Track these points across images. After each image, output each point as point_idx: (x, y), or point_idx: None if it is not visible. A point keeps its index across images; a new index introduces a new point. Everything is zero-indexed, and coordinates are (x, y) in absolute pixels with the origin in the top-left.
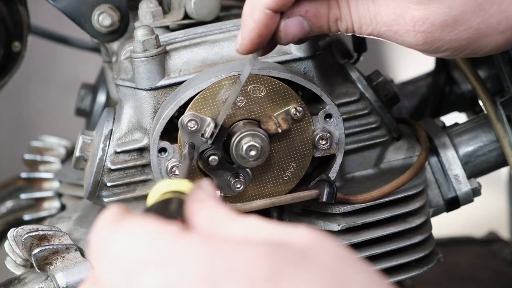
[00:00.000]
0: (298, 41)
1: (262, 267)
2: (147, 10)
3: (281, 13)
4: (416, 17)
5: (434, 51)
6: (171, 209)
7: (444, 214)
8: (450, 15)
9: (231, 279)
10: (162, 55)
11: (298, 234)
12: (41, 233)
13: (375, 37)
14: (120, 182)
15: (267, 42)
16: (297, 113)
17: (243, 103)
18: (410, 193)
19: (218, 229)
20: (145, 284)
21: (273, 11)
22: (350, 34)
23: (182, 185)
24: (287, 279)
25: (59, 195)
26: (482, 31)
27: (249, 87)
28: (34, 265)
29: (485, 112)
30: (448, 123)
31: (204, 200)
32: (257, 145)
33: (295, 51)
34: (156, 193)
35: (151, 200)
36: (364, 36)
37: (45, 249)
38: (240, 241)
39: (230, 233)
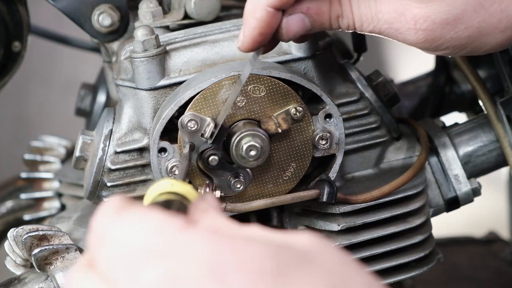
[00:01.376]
0: (299, 39)
1: (269, 262)
2: (147, 10)
3: (282, 10)
4: (418, 15)
5: (435, 49)
6: (173, 209)
7: (444, 214)
8: (451, 13)
9: (238, 272)
10: (162, 55)
11: (299, 238)
12: (41, 233)
13: (376, 35)
14: (120, 182)
15: (268, 40)
16: (297, 113)
17: (243, 103)
18: (410, 193)
19: (222, 230)
20: (148, 273)
21: (275, 9)
22: (351, 31)
23: (185, 188)
24: (292, 277)
25: (59, 195)
26: (483, 30)
27: (249, 87)
28: (34, 265)
29: (485, 112)
30: (448, 123)
31: (207, 211)
32: (257, 145)
33: (295, 51)
34: (156, 190)
35: (150, 197)
36: (365, 33)
37: (45, 249)
38: (245, 238)
39: (235, 233)
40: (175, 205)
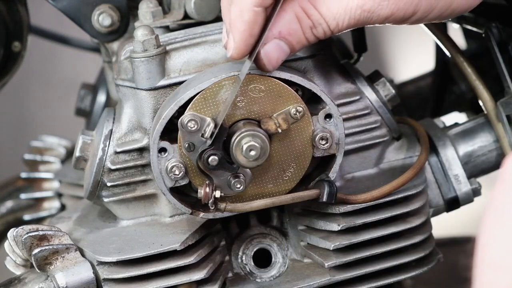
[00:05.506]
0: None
1: None
2: (147, 10)
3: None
4: None
5: (405, 17)
6: None
7: (444, 214)
8: None
9: None
10: (162, 55)
11: None
12: (41, 233)
13: (352, 28)
14: (120, 182)
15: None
16: (297, 113)
17: (243, 103)
18: (410, 193)
19: None
20: None
21: (262, 8)
22: (328, 36)
23: None
24: None
25: (59, 195)
26: None
27: (249, 87)
28: (34, 265)
29: (485, 112)
30: (448, 123)
31: None
32: (257, 145)
33: None
34: None
35: None
36: (343, 31)
37: (45, 249)
38: None
39: None
40: None
